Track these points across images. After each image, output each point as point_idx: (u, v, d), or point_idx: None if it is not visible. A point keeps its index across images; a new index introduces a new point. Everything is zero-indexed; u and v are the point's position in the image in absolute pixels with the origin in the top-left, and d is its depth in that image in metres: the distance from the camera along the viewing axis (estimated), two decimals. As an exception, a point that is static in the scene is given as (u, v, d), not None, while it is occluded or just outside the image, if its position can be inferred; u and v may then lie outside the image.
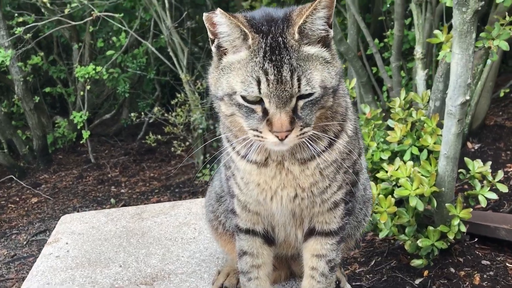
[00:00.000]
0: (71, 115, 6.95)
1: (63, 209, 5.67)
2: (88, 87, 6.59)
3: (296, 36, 1.19)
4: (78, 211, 5.51)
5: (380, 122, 2.97)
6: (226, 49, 1.25)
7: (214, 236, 1.77)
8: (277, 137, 1.17)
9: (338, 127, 1.33)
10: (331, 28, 1.24)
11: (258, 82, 1.16)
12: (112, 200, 5.52)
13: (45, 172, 7.05)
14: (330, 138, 1.31)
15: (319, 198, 1.38)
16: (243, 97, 1.20)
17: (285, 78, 1.15)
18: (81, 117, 6.57)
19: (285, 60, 1.15)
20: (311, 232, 1.46)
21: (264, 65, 1.16)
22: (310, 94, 1.18)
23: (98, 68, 6.46)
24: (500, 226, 2.99)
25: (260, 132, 1.19)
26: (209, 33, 1.27)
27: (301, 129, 1.18)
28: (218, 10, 1.21)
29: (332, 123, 1.30)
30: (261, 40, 1.18)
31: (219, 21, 1.22)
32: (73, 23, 5.86)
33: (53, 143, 7.72)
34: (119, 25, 6.19)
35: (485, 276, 2.74)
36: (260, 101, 1.19)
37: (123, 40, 6.91)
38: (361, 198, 1.63)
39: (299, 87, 1.16)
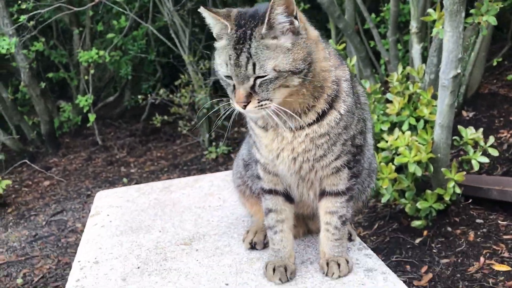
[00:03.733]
0: (76, 99, 7.13)
1: (76, 190, 5.88)
2: (92, 71, 6.75)
3: (263, 30, 1.43)
4: (91, 192, 5.74)
5: (380, 96, 3.17)
6: (219, 36, 1.52)
7: (242, 200, 2.03)
8: (240, 105, 1.46)
9: (324, 105, 1.55)
10: (296, 19, 1.45)
11: (226, 65, 1.45)
12: (125, 180, 5.74)
13: (54, 156, 7.22)
14: (318, 113, 1.55)
15: (318, 164, 1.62)
16: (222, 74, 1.50)
17: (241, 63, 1.42)
18: (86, 100, 6.75)
19: (244, 49, 1.42)
20: (323, 193, 1.70)
21: (230, 52, 1.44)
22: (264, 76, 1.43)
23: (101, 52, 6.62)
24: (492, 187, 3.22)
25: (232, 100, 1.50)
26: None
27: (259, 102, 1.44)
28: (201, 8, 1.50)
29: (317, 102, 1.53)
30: (234, 32, 1.45)
31: (205, 15, 1.51)
32: (76, 9, 5.97)
33: (59, 127, 7.89)
34: (120, 9, 6.30)
35: (478, 233, 3.00)
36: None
37: (123, 22, 7.04)
38: (367, 171, 1.85)
39: (253, 70, 1.42)
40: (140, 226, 2.13)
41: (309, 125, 1.55)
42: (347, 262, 1.68)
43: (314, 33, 1.54)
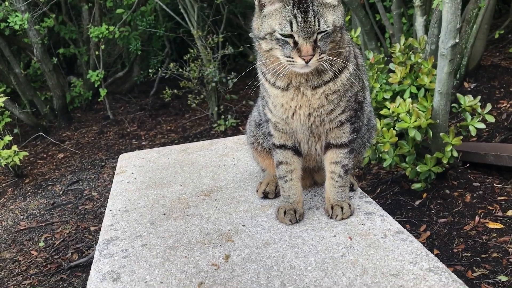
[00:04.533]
0: (86, 75, 7.31)
1: (90, 162, 6.10)
2: (102, 47, 6.92)
3: None
4: (105, 163, 5.97)
5: (383, 66, 3.34)
6: (264, 3, 1.70)
7: (254, 155, 2.25)
8: (304, 60, 1.62)
9: (341, 65, 1.78)
10: None
11: (291, 23, 1.62)
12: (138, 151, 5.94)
13: (67, 130, 7.44)
14: (334, 72, 1.76)
15: (327, 118, 1.84)
16: (280, 34, 1.65)
17: (310, 19, 1.61)
18: (97, 75, 6.95)
19: (309, 7, 1.61)
20: (328, 146, 1.92)
21: (294, 11, 1.62)
22: (325, 30, 1.63)
23: (111, 28, 6.77)
24: (489, 153, 3.41)
25: (292, 58, 1.64)
26: None
27: (319, 54, 1.64)
28: None
29: (337, 61, 1.75)
30: None
31: None
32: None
33: (70, 102, 8.09)
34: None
35: (475, 195, 3.19)
36: (291, 36, 1.64)
37: (132, -2, 7.16)
38: (366, 126, 2.08)
39: (319, 25, 1.62)
40: (162, 182, 2.35)
41: (326, 82, 1.77)
42: (349, 206, 1.89)
43: None
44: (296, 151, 1.96)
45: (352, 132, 1.89)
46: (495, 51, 6.22)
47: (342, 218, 1.85)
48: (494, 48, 6.31)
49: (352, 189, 2.09)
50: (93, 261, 1.68)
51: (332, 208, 1.88)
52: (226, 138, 2.89)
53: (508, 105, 4.45)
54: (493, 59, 5.78)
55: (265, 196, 2.11)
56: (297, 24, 1.61)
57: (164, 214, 1.99)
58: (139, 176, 2.44)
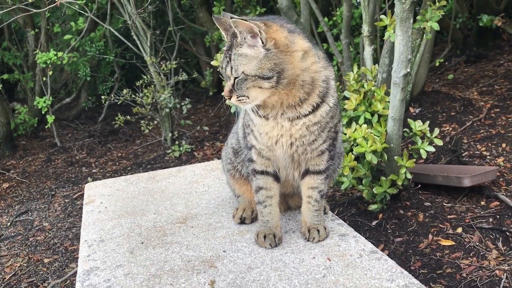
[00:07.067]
0: (31, 101, 7.10)
1: (39, 191, 5.89)
2: (50, 73, 6.77)
3: (238, 42, 1.78)
4: (55, 192, 5.79)
5: (339, 93, 3.51)
6: None
7: (232, 182, 2.30)
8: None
9: (318, 99, 1.87)
10: (261, 39, 1.74)
11: (221, 66, 1.82)
12: (90, 179, 5.81)
13: (12, 158, 7.16)
14: (313, 106, 1.86)
15: (309, 147, 1.94)
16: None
17: (224, 66, 1.79)
18: (45, 102, 6.77)
19: (227, 55, 1.79)
20: (306, 172, 2.02)
21: (222, 56, 1.82)
22: (236, 77, 1.77)
23: (60, 54, 6.65)
24: (437, 174, 3.64)
25: None
26: None
27: (237, 97, 1.79)
28: (213, 16, 1.85)
29: (310, 97, 1.85)
30: (229, 40, 1.82)
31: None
32: (36, 10, 5.99)
33: (15, 130, 7.82)
34: (79, 10, 6.36)
35: (427, 214, 3.39)
36: None
37: (81, 24, 7.09)
38: (338, 154, 2.20)
39: (231, 72, 1.78)
40: (135, 210, 2.35)
41: (306, 115, 1.87)
42: (325, 228, 1.99)
43: (304, 45, 1.82)
44: (276, 177, 2.04)
45: (329, 159, 2.00)
46: (434, 78, 6.66)
47: (319, 241, 1.94)
48: (433, 75, 6.75)
49: (324, 212, 2.19)
50: (75, 293, 1.66)
51: (309, 231, 1.97)
52: (193, 165, 2.93)
53: (451, 129, 4.77)
54: (433, 85, 6.18)
55: (242, 221, 2.17)
56: (221, 68, 1.82)
57: (142, 242, 2.00)
58: (110, 205, 2.43)
